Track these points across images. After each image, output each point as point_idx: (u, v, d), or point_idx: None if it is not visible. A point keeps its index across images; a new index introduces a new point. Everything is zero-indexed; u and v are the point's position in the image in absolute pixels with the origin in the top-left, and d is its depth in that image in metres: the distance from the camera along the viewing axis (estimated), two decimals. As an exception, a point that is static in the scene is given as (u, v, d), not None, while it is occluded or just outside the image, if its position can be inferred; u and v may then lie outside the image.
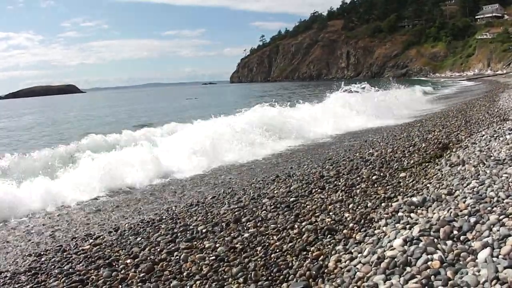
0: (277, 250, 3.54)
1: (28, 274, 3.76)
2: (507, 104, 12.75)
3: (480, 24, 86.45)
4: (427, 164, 5.56)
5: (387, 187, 4.82)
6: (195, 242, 3.97)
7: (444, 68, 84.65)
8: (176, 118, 14.41)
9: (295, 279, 3.06)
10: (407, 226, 3.28)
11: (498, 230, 2.73)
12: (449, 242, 2.80)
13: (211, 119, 12.46)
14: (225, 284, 3.16)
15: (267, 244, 3.70)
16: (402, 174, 5.27)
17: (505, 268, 2.32)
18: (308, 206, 4.54)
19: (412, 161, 5.94)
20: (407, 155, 6.51)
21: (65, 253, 4.17)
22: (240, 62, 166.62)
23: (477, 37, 79.44)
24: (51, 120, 29.61)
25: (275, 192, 5.42)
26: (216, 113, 13.03)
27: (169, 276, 3.36)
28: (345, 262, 3.09)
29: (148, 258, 3.73)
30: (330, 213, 4.20)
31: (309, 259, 3.28)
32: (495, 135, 6.22)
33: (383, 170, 5.71)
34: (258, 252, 3.57)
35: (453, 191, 3.83)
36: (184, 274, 3.37)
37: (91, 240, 4.51)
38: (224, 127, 10.91)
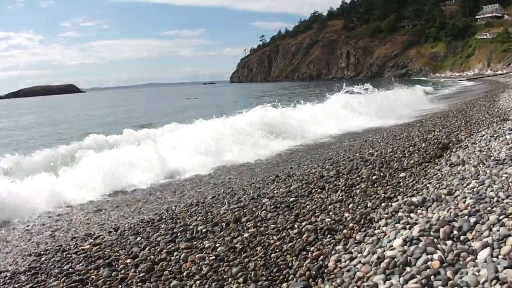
0: (277, 250, 3.54)
1: (28, 273, 3.76)
2: (507, 104, 12.75)
3: (480, 24, 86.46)
4: (427, 164, 5.56)
5: (387, 187, 4.82)
6: (195, 242, 3.97)
7: (444, 68, 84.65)
8: (176, 118, 14.40)
9: (295, 279, 3.06)
10: (407, 226, 3.28)
11: (498, 230, 2.72)
12: (449, 242, 2.80)
13: (211, 119, 12.46)
14: (225, 284, 3.16)
15: (267, 244, 3.70)
16: (402, 174, 5.27)
17: (505, 268, 2.32)
18: (308, 206, 4.54)
19: (412, 161, 5.94)
20: (407, 155, 6.51)
21: (65, 253, 4.17)
22: (240, 62, 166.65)
23: (477, 37, 79.44)
24: (51, 120, 29.60)
25: (275, 192, 5.42)
26: (216, 113, 13.06)
27: (169, 276, 3.36)
28: (345, 262, 3.10)
29: (148, 258, 3.73)
30: (330, 213, 4.20)
31: (309, 259, 3.28)
32: (495, 135, 6.22)
33: (383, 170, 5.71)
34: (258, 252, 3.57)
35: (453, 191, 3.84)
36: (184, 274, 3.37)
37: (91, 240, 4.51)
38: (224, 127, 10.91)
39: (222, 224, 4.39)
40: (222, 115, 12.89)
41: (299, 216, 4.26)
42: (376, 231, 3.45)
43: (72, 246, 4.37)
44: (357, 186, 5.03)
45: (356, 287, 2.72)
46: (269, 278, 3.14)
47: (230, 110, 14.06)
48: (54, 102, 77.48)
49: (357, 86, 18.06)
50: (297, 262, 3.28)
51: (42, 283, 3.52)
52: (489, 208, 3.12)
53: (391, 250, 2.92)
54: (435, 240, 2.86)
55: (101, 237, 4.58)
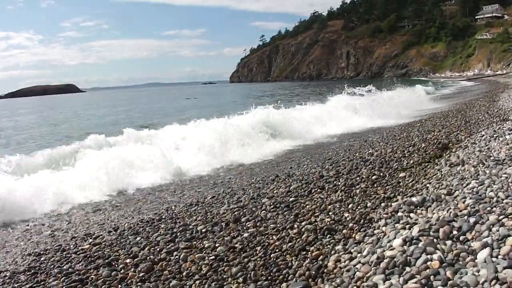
0: (277, 250, 3.54)
1: (28, 273, 3.76)
2: (507, 104, 12.75)
3: (480, 24, 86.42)
4: (426, 164, 5.56)
5: (387, 187, 4.82)
6: (195, 242, 3.97)
7: (444, 68, 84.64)
8: (176, 118, 14.42)
9: (294, 279, 3.06)
10: (407, 226, 3.28)
11: (498, 230, 2.73)
12: (449, 242, 2.80)
13: (211, 119, 12.46)
14: (225, 283, 3.16)
15: (266, 244, 3.70)
16: (402, 174, 5.27)
17: (504, 268, 2.32)
18: (307, 206, 4.54)
19: (411, 161, 5.94)
20: (406, 155, 6.51)
21: (64, 253, 4.17)
22: (240, 62, 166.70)
23: (477, 37, 79.41)
24: (51, 120, 29.61)
25: (274, 192, 5.42)
26: (216, 113, 13.07)
27: (169, 276, 3.36)
28: (344, 262, 3.10)
29: (148, 257, 3.73)
30: (330, 213, 4.20)
31: (308, 259, 3.28)
32: (494, 135, 6.21)
33: (383, 170, 5.71)
34: (257, 252, 3.57)
35: (453, 191, 3.84)
36: (184, 273, 3.37)
37: (90, 240, 4.51)
38: (224, 128, 10.91)
39: (222, 224, 4.39)
40: (222, 115, 12.89)
41: (299, 216, 4.26)
42: (375, 231, 3.45)
43: (71, 246, 4.37)
44: (357, 186, 5.03)
45: (355, 287, 2.72)
46: (269, 278, 3.14)
47: (230, 110, 14.06)
48: (53, 102, 77.46)
49: (359, 88, 18.05)
50: (296, 262, 3.28)
51: (42, 283, 3.52)
52: (488, 208, 3.12)
53: (390, 250, 2.92)
54: (435, 240, 2.86)
55: (100, 237, 4.58)
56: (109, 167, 7.45)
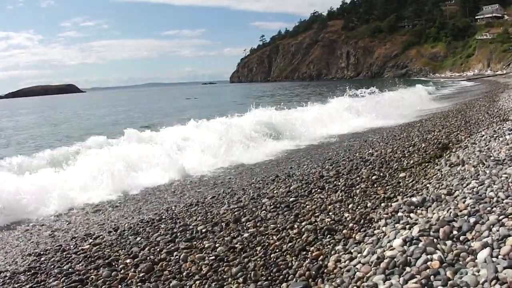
0: (277, 250, 3.54)
1: (28, 273, 3.76)
2: (507, 104, 12.75)
3: (480, 24, 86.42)
4: (426, 164, 5.56)
5: (387, 187, 4.82)
6: (195, 242, 3.97)
7: (444, 68, 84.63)
8: (176, 118, 14.42)
9: (294, 279, 3.06)
10: (407, 226, 3.28)
11: (498, 230, 2.73)
12: (449, 242, 2.81)
13: (211, 119, 12.46)
14: (225, 284, 3.16)
15: (266, 244, 3.70)
16: (402, 174, 5.27)
17: (504, 268, 2.32)
18: (307, 206, 4.54)
19: (411, 161, 5.94)
20: (406, 155, 6.51)
21: (64, 253, 4.17)
22: (240, 62, 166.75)
23: (477, 38, 79.41)
24: (51, 120, 29.62)
25: (274, 192, 5.42)
26: (216, 113, 13.07)
27: (169, 276, 3.36)
28: (344, 262, 3.10)
29: (148, 258, 3.73)
30: (330, 213, 4.20)
31: (308, 259, 3.28)
32: (495, 135, 6.21)
33: (383, 170, 5.71)
34: (257, 252, 3.57)
35: (453, 191, 3.84)
36: (184, 274, 3.37)
37: (90, 240, 4.51)
38: (224, 128, 10.91)
39: (222, 224, 4.39)
40: (222, 116, 12.89)
41: (299, 216, 4.26)
42: (376, 231, 3.45)
43: (71, 246, 4.37)
44: (357, 186, 5.03)
45: (355, 287, 2.72)
46: (269, 278, 3.14)
47: (230, 110, 14.08)
48: (54, 102, 77.47)
49: (362, 90, 18.06)
50: (296, 262, 3.28)
51: (42, 283, 3.52)
52: (488, 208, 3.13)
53: (390, 250, 2.92)
54: (435, 240, 2.86)
55: (101, 237, 4.58)
56: (110, 167, 7.45)
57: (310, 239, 3.62)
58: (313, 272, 3.06)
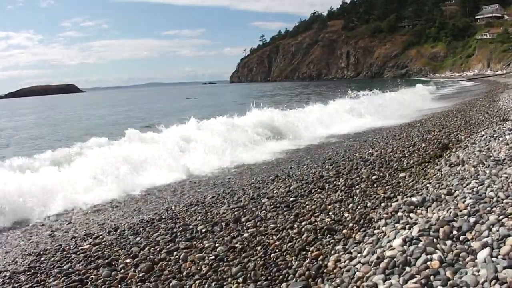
0: (277, 250, 3.54)
1: (28, 273, 3.76)
2: (506, 104, 12.75)
3: (480, 24, 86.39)
4: (426, 164, 5.56)
5: (387, 187, 4.82)
6: (195, 242, 3.97)
7: (444, 69, 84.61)
8: (176, 118, 14.41)
9: (294, 279, 3.06)
10: (407, 226, 3.28)
11: (498, 230, 2.73)
12: (449, 242, 2.81)
13: (211, 119, 12.45)
14: (225, 283, 3.16)
15: (266, 244, 3.70)
16: (402, 174, 5.27)
17: (504, 268, 2.32)
18: (307, 206, 4.54)
19: (411, 161, 5.94)
20: (406, 155, 6.51)
21: (64, 253, 4.17)
22: (240, 62, 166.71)
23: (477, 38, 79.39)
24: (52, 120, 29.64)
25: (274, 192, 5.42)
26: (216, 113, 13.06)
27: (169, 276, 3.36)
28: (344, 262, 3.10)
29: (148, 257, 3.73)
30: (330, 213, 4.20)
31: (308, 259, 3.28)
32: (494, 135, 6.22)
33: (383, 170, 5.71)
34: (257, 252, 3.57)
35: (453, 191, 3.84)
36: (184, 273, 3.37)
37: (90, 240, 4.51)
38: (224, 128, 10.91)
39: (222, 224, 4.39)
40: (222, 116, 12.88)
41: (299, 216, 4.26)
42: (375, 231, 3.45)
43: (71, 246, 4.37)
44: (357, 186, 5.03)
45: (355, 287, 2.72)
46: (269, 278, 3.14)
47: (230, 110, 14.06)
48: (54, 102, 77.47)
49: (364, 93, 18.07)
50: (296, 262, 3.28)
51: (42, 282, 3.52)
52: (488, 208, 3.13)
53: (390, 250, 2.92)
54: (435, 240, 2.86)
55: (100, 237, 4.58)
56: (110, 167, 7.45)
57: (310, 239, 3.62)
58: (313, 272, 3.06)
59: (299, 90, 55.72)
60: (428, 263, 2.59)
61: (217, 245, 3.80)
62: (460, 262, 2.56)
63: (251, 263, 3.38)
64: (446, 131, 8.62)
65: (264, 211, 4.62)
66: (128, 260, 3.71)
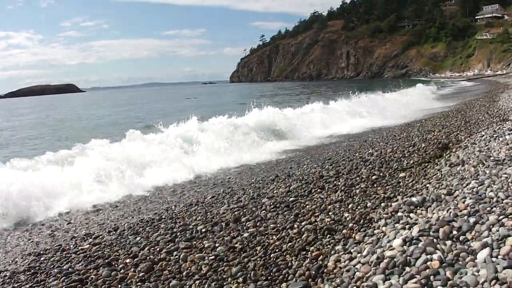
0: (277, 250, 3.54)
1: (28, 273, 3.76)
2: (506, 104, 12.76)
3: (480, 24, 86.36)
4: (426, 164, 5.56)
5: (387, 187, 4.82)
6: (195, 242, 3.97)
7: (444, 69, 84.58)
8: (176, 118, 14.42)
9: (294, 279, 3.06)
10: (407, 226, 3.28)
11: (498, 230, 2.73)
12: (449, 242, 2.81)
13: (211, 119, 12.44)
14: (225, 283, 3.16)
15: (266, 243, 3.70)
16: (402, 174, 5.27)
17: (504, 268, 2.32)
18: (307, 206, 4.54)
19: (411, 161, 5.94)
20: (406, 155, 6.51)
21: (64, 253, 4.17)
22: (240, 62, 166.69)
23: (477, 38, 79.35)
24: (52, 120, 29.63)
25: (274, 192, 5.42)
26: (216, 113, 13.05)
27: (169, 276, 3.36)
28: (344, 262, 3.10)
29: (148, 257, 3.73)
30: (330, 213, 4.20)
31: (308, 259, 3.28)
32: (494, 136, 6.22)
33: (383, 170, 5.71)
34: (257, 252, 3.57)
35: (453, 191, 3.84)
36: (184, 273, 3.37)
37: (90, 240, 4.51)
38: (224, 128, 10.91)
39: (222, 224, 4.39)
40: (222, 116, 12.88)
41: (299, 216, 4.26)
42: (375, 231, 3.45)
43: (71, 246, 4.37)
44: (357, 186, 5.03)
45: (355, 287, 2.72)
46: (269, 278, 3.14)
47: (230, 110, 14.07)
48: (54, 101, 77.44)
49: (365, 94, 18.10)
50: (296, 262, 3.28)
51: (42, 282, 3.52)
52: (488, 208, 3.13)
53: (390, 250, 2.92)
54: (435, 240, 2.86)
55: (100, 236, 4.58)
56: (111, 168, 7.45)
57: (310, 239, 3.62)
58: (313, 272, 3.06)
59: (299, 90, 55.71)
60: (428, 263, 2.59)
61: (217, 245, 3.80)
62: (460, 262, 2.56)
63: (251, 263, 3.38)
64: (446, 131, 8.62)
65: (264, 211, 4.62)
66: (128, 260, 3.71)
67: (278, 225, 4.08)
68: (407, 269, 2.64)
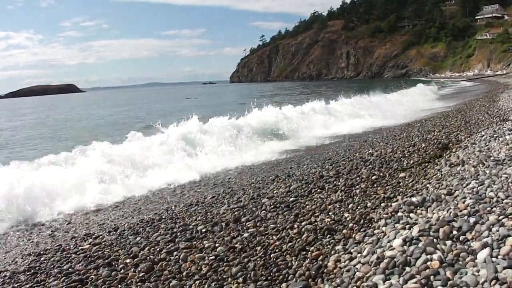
0: (277, 250, 3.54)
1: (28, 273, 3.76)
2: (506, 104, 12.76)
3: (480, 24, 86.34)
4: (426, 164, 5.56)
5: (387, 187, 4.82)
6: (195, 242, 3.97)
7: (444, 69, 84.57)
8: (176, 118, 14.43)
9: (294, 279, 3.06)
10: (407, 226, 3.28)
11: (498, 230, 2.73)
12: (449, 242, 2.81)
13: (211, 119, 12.44)
14: (225, 283, 3.16)
15: (266, 244, 3.70)
16: (402, 174, 5.27)
17: (504, 268, 2.32)
18: (307, 206, 4.54)
19: (411, 161, 5.94)
20: (406, 155, 6.51)
21: (64, 253, 4.17)
22: (240, 62, 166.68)
23: (477, 38, 79.34)
24: (52, 120, 29.63)
25: (274, 192, 5.42)
26: (216, 113, 13.04)
27: (169, 276, 3.36)
28: (344, 262, 3.10)
29: (148, 257, 3.73)
30: (330, 213, 4.20)
31: (308, 259, 3.28)
32: (494, 136, 6.22)
33: (383, 170, 5.71)
34: (257, 252, 3.57)
35: (453, 191, 3.84)
36: (184, 273, 3.37)
37: (90, 240, 4.51)
38: (224, 128, 10.90)
39: (222, 224, 4.39)
40: (222, 116, 12.88)
41: (299, 216, 4.26)
42: (375, 231, 3.45)
43: (71, 246, 4.37)
44: (357, 186, 5.03)
45: (355, 287, 2.72)
46: (269, 278, 3.14)
47: (230, 110, 14.07)
48: (54, 101, 77.43)
49: (366, 96, 18.12)
50: (296, 262, 3.28)
51: (42, 282, 3.52)
52: (488, 208, 3.13)
53: (390, 250, 2.92)
54: (435, 240, 2.86)
55: (100, 237, 4.58)
56: (110, 168, 7.45)
57: (310, 239, 3.62)
58: (313, 272, 3.06)
59: (299, 90, 55.70)
60: (428, 263, 2.59)
61: (217, 245, 3.80)
62: (460, 262, 2.56)
63: (251, 263, 3.38)
64: (446, 131, 8.62)
65: (264, 211, 4.62)
66: (128, 260, 3.71)
67: (278, 225, 4.08)
68: (407, 269, 2.64)
